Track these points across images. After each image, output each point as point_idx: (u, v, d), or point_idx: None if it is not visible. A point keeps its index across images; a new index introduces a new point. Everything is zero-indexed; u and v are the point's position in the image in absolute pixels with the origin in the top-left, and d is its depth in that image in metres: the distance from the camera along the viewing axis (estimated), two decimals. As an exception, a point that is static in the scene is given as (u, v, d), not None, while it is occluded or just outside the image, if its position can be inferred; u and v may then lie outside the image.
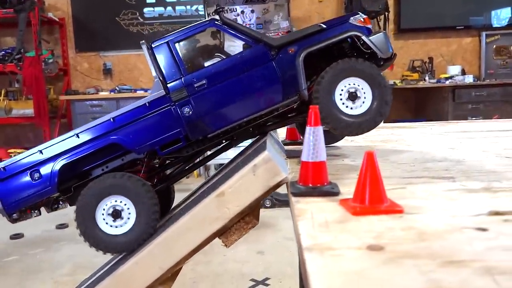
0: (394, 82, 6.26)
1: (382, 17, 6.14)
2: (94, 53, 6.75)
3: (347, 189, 0.77)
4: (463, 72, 6.20)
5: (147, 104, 1.06)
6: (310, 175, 0.80)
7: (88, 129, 1.06)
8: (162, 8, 6.69)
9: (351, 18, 1.13)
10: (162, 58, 1.09)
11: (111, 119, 1.06)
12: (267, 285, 2.83)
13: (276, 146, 1.14)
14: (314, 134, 0.78)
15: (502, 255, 0.53)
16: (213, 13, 1.16)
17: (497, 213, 0.67)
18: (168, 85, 1.07)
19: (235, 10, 6.40)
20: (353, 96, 1.05)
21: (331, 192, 0.79)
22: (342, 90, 1.05)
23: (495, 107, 5.62)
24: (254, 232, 1.14)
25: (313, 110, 0.83)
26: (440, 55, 6.60)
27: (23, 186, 1.06)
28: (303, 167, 0.81)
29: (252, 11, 6.41)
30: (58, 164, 1.05)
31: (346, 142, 1.42)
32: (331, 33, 1.10)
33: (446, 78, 5.90)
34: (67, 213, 1.15)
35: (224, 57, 1.15)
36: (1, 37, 6.73)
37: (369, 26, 1.13)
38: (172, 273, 0.96)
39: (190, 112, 1.06)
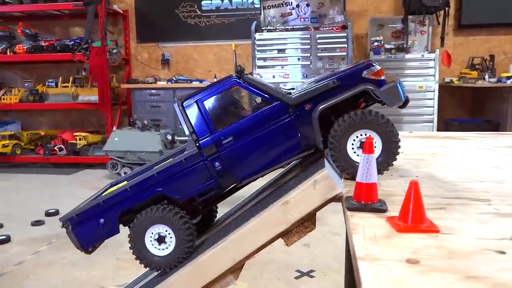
0: (451, 80, 6.09)
1: (442, 12, 5.98)
2: (154, 44, 7.08)
3: (394, 206, 0.89)
4: (527, 72, 5.91)
5: (184, 161, 1.24)
6: (363, 194, 0.94)
7: (136, 183, 1.26)
8: (219, 1, 6.88)
9: (364, 71, 1.20)
10: (193, 116, 1.24)
11: (155, 174, 1.25)
12: (312, 277, 2.95)
13: (331, 164, 1.27)
14: (368, 160, 0.92)
15: (510, 273, 0.65)
16: (235, 73, 1.28)
17: None
18: (200, 142, 1.23)
19: (290, 3, 6.46)
20: None
21: (380, 209, 0.93)
22: (354, 140, 1.16)
23: (560, 111, 5.34)
24: (305, 236, 1.28)
25: (368, 140, 0.95)
26: (502, 52, 6.32)
27: (93, 229, 1.30)
28: (358, 186, 0.95)
29: (308, 5, 6.44)
30: (116, 213, 1.29)
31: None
32: (344, 89, 1.19)
33: (508, 78, 5.64)
34: None
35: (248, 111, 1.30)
36: (70, 27, 7.23)
37: (382, 77, 1.19)
38: (241, 265, 1.15)
39: (220, 166, 1.22)
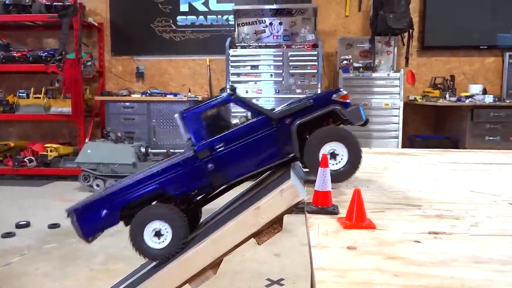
0: (415, 98, 6.43)
1: (406, 34, 6.33)
2: (128, 57, 7.15)
3: (345, 210, 1.09)
4: (484, 92, 6.31)
5: (181, 162, 1.43)
6: (320, 200, 1.15)
7: (140, 179, 1.43)
8: (194, 17, 7.04)
9: (334, 95, 1.45)
10: (191, 125, 1.44)
11: (158, 171, 1.42)
12: (282, 285, 3.08)
13: (298, 174, 1.45)
14: (324, 173, 1.13)
15: (421, 255, 0.86)
16: (229, 90, 1.53)
17: (433, 233, 0.98)
18: (196, 147, 1.42)
19: (264, 22, 6.69)
20: (334, 155, 1.38)
21: (333, 212, 1.13)
22: (325, 151, 1.38)
23: (513, 129, 5.73)
24: (273, 236, 1.44)
25: (324, 156, 1.16)
26: (462, 73, 6.73)
27: (95, 220, 1.42)
28: (315, 193, 1.16)
29: (280, 23, 6.69)
30: (119, 205, 1.42)
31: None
32: (317, 108, 1.43)
33: (467, 97, 6.03)
34: None
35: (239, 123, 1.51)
36: (44, 38, 7.21)
37: (348, 101, 1.45)
38: (219, 261, 1.32)
39: (212, 167, 1.41)
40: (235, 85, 5.99)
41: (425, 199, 1.28)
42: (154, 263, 1.50)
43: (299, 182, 1.37)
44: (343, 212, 1.11)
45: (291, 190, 1.24)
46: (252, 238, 1.30)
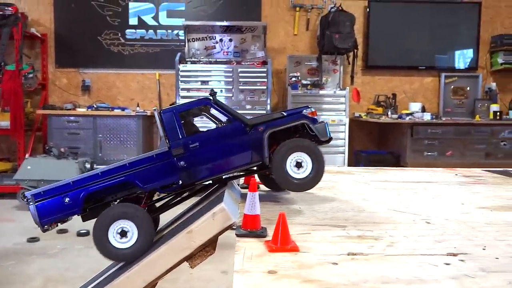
0: (360, 115, 6.70)
1: (351, 54, 6.61)
2: (74, 70, 6.93)
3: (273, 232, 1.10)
4: (424, 109, 6.69)
5: (154, 156, 1.44)
6: (249, 223, 1.18)
7: (108, 170, 1.41)
8: (143, 31, 6.96)
9: (304, 110, 1.55)
10: (168, 123, 1.47)
11: (127, 164, 1.42)
12: (228, 303, 3.06)
13: (233, 194, 1.49)
14: (252, 197, 1.17)
15: (336, 277, 0.90)
16: (209, 94, 1.59)
17: (351, 254, 1.03)
18: (171, 143, 1.44)
19: (214, 38, 6.74)
20: (299, 165, 1.46)
21: (261, 235, 1.16)
22: (292, 160, 1.46)
23: (448, 144, 6.10)
24: (219, 253, 1.46)
25: (252, 181, 1.21)
26: (403, 91, 7.10)
27: (56, 207, 1.38)
28: (244, 217, 1.19)
29: (230, 40, 6.77)
30: (84, 194, 1.39)
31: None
32: (289, 120, 1.52)
33: (407, 114, 6.35)
34: (37, 227, 1.46)
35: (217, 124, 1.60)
36: (-19, 49, 6.83)
37: (316, 117, 1.55)
38: (152, 286, 1.31)
39: (185, 165, 1.43)
40: (184, 101, 6.01)
41: (351, 219, 1.34)
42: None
43: (233, 204, 1.39)
44: (271, 235, 1.13)
45: (223, 213, 1.26)
46: (185, 262, 1.30)
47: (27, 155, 6.06)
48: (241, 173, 1.66)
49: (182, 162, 1.43)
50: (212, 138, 1.47)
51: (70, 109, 6.36)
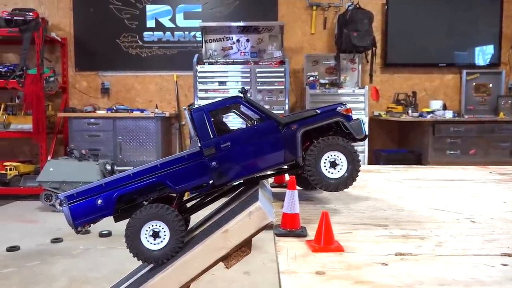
0: (379, 114, 6.61)
1: (370, 52, 6.53)
2: (93, 73, 7.00)
3: (313, 231, 1.08)
4: (445, 107, 6.57)
5: (186, 156, 1.41)
6: (288, 222, 1.14)
7: (139, 171, 1.39)
8: (161, 33, 7.00)
9: (338, 108, 1.49)
10: (199, 122, 1.43)
11: (158, 165, 1.39)
12: (252, 304, 3.04)
13: (266, 194, 1.44)
14: (292, 195, 1.13)
15: (388, 279, 0.86)
16: (239, 92, 1.55)
17: (399, 254, 0.99)
18: (202, 143, 1.41)
19: (231, 38, 6.74)
20: (334, 164, 1.42)
21: (301, 234, 1.13)
22: (326, 159, 1.42)
23: (472, 142, 5.97)
24: (242, 259, 1.43)
25: (291, 179, 1.18)
26: (423, 89, 6.99)
27: (89, 208, 1.37)
28: (284, 216, 1.15)
29: (247, 40, 6.76)
30: (116, 195, 1.38)
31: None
32: (323, 117, 1.47)
33: (428, 112, 6.25)
34: (61, 227, 1.45)
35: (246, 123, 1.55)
36: (3, 54, 6.96)
37: (351, 114, 1.49)
38: (187, 286, 1.29)
39: (216, 165, 1.40)
40: (202, 102, 6.03)
41: (391, 219, 1.30)
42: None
43: (268, 203, 1.36)
44: (311, 234, 1.10)
45: (259, 212, 1.23)
46: (221, 262, 1.28)
47: (49, 157, 6.14)
48: (273, 172, 1.62)
49: (214, 163, 1.40)
50: (244, 137, 1.43)
51: (90, 112, 6.43)
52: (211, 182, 1.43)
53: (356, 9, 6.35)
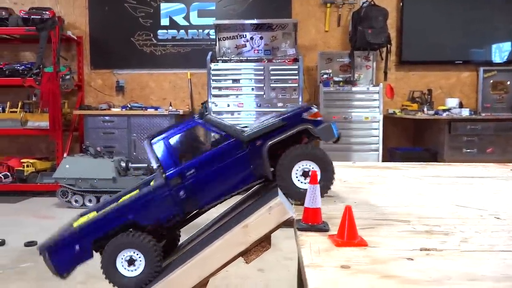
0: (394, 111, 6.54)
1: (384, 49, 6.46)
2: (108, 71, 7.07)
3: (335, 226, 1.08)
4: (461, 105, 6.47)
5: (152, 191, 1.39)
6: (310, 217, 1.13)
7: (110, 212, 1.40)
8: (175, 31, 7.03)
9: (305, 113, 1.42)
10: (160, 152, 1.39)
11: (128, 204, 1.39)
12: (267, 301, 3.04)
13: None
14: (313, 189, 1.12)
15: (415, 273, 0.86)
16: (199, 111, 1.51)
17: (424, 249, 0.99)
18: (167, 174, 1.38)
19: (244, 36, 6.74)
20: (306, 173, 1.35)
21: (323, 229, 1.12)
22: (297, 169, 1.36)
23: (489, 141, 5.88)
24: (262, 254, 1.42)
25: (313, 173, 1.16)
26: (439, 87, 6.90)
27: (68, 256, 1.42)
28: (305, 210, 1.14)
29: (261, 38, 6.75)
30: (91, 240, 1.41)
31: (340, 182, 1.71)
32: (287, 128, 1.40)
33: (444, 110, 6.17)
34: None
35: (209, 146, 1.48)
36: (21, 52, 7.07)
37: (319, 118, 1.42)
38: (206, 282, 1.30)
39: (184, 195, 1.38)
40: (215, 99, 6.03)
41: (413, 214, 1.28)
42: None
43: (286, 199, 1.36)
44: (333, 229, 1.10)
45: (280, 207, 1.23)
46: (240, 257, 1.28)
47: (65, 154, 6.22)
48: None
49: (181, 193, 1.37)
50: (208, 162, 1.37)
51: (105, 109, 6.49)
52: (183, 212, 1.40)
53: (370, 6, 6.30)
